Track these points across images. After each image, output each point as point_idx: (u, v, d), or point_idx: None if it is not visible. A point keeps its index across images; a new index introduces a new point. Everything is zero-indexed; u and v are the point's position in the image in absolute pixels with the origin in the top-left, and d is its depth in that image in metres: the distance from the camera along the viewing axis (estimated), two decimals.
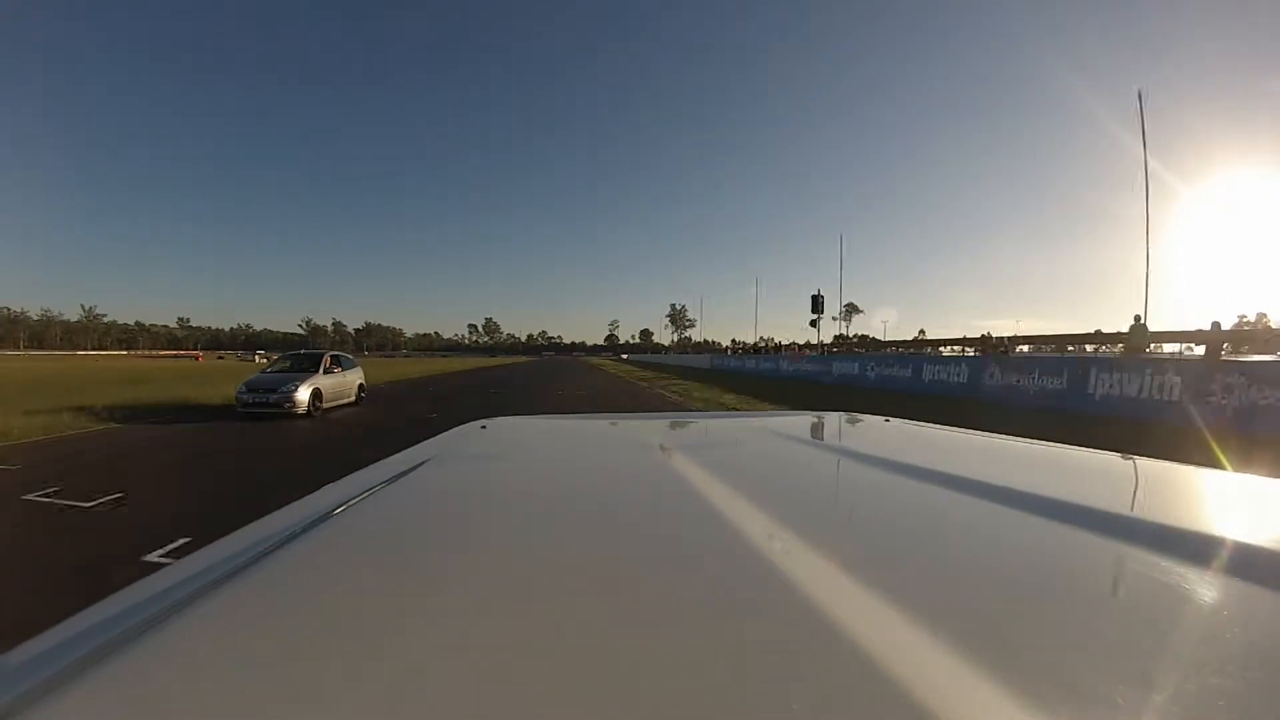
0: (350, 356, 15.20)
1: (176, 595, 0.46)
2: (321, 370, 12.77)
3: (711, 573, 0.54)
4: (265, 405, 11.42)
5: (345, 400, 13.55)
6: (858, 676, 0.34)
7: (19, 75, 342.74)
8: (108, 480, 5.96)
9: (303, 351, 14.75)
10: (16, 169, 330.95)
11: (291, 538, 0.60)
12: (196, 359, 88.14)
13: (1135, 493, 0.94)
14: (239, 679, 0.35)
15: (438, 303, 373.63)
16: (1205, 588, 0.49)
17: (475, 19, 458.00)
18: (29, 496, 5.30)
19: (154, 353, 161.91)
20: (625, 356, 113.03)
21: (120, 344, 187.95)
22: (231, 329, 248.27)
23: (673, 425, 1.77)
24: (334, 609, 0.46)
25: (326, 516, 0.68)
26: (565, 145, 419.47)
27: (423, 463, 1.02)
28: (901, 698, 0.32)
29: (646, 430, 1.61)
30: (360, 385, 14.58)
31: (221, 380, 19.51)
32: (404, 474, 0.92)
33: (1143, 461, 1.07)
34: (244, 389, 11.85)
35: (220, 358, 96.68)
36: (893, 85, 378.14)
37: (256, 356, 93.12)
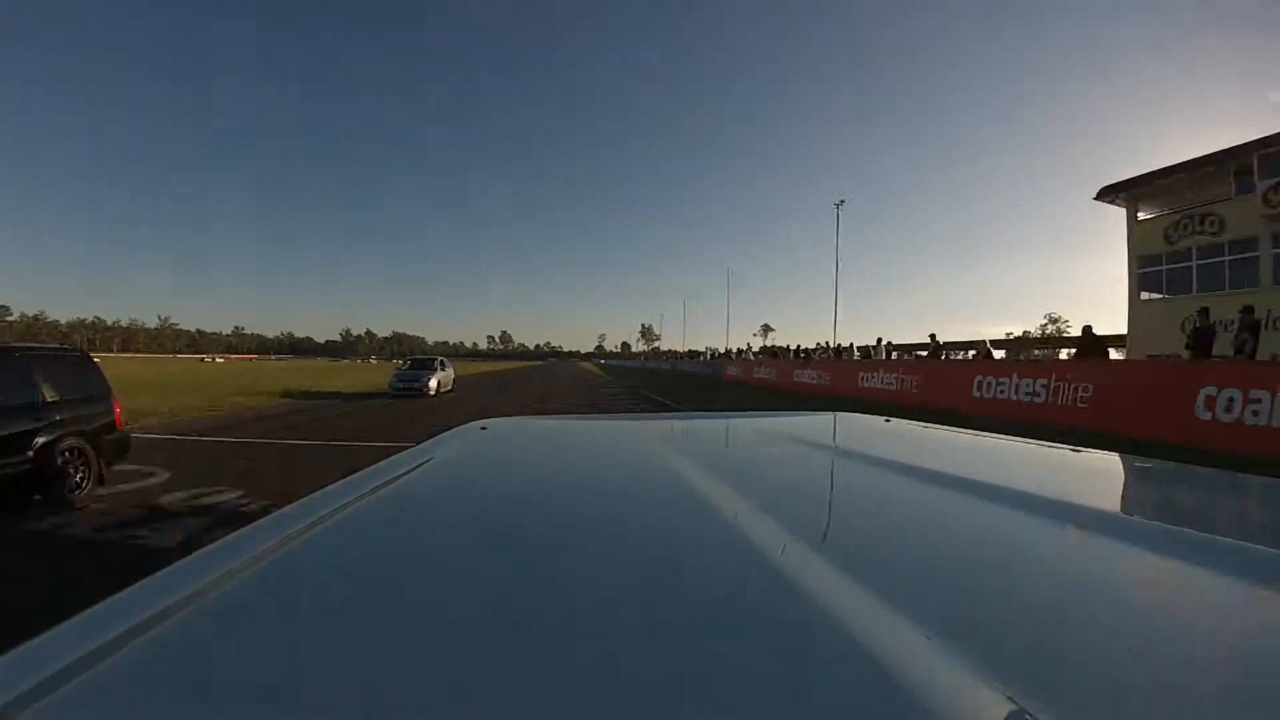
0: (447, 360, 21.35)
1: (177, 595, 0.44)
2: (437, 369, 18.89)
3: (711, 572, 0.52)
4: (410, 390, 17.40)
5: (447, 388, 19.55)
6: (857, 675, 0.32)
7: (92, 109, 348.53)
8: (386, 412, 12.18)
9: (422, 357, 20.92)
10: (100, 198, 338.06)
11: (292, 538, 0.57)
12: (364, 361, 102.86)
13: (1135, 493, 0.88)
14: (239, 679, 0.34)
15: (458, 315, 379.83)
16: (1205, 588, 0.46)
17: (495, 42, 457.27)
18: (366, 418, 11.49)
19: (254, 356, 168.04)
20: (602, 362, 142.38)
21: (189, 348, 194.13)
22: (277, 336, 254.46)
23: (672, 426, 1.66)
24: (334, 609, 0.44)
25: (327, 518, 0.64)
26: (565, 174, 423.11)
27: (422, 464, 0.96)
28: (901, 697, 0.30)
29: (646, 431, 1.51)
30: (454, 378, 20.75)
31: (352, 375, 25.51)
32: (404, 475, 0.87)
33: (1143, 461, 1.02)
34: (395, 380, 17.87)
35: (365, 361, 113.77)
36: (892, 88, 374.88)
37: (395, 361, 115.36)
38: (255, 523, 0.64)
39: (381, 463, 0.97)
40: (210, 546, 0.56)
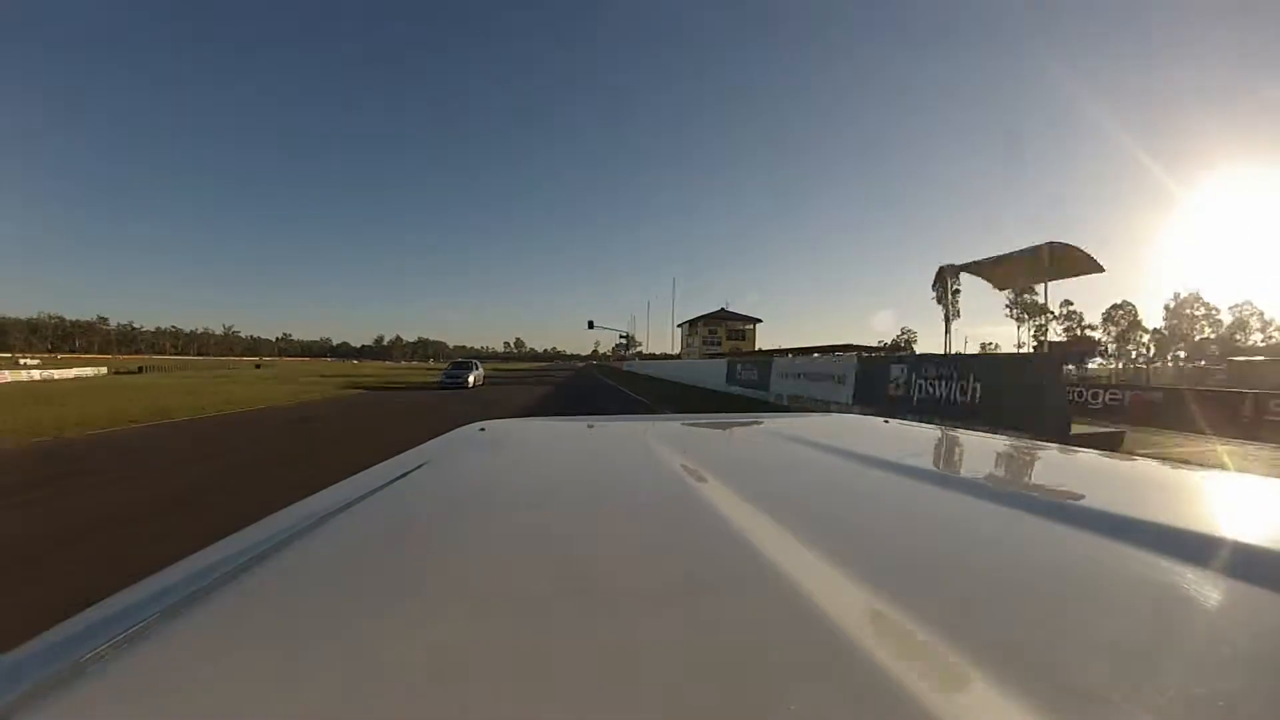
0: (479, 362, 26.09)
1: (176, 596, 0.41)
2: (473, 369, 23.58)
3: (711, 574, 0.47)
4: (455, 384, 21.46)
5: (480, 383, 23.45)
6: (857, 676, 0.30)
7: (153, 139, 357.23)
8: (442, 399, 16.99)
9: (461, 360, 25.78)
10: (160, 220, 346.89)
11: (291, 539, 0.54)
12: (421, 363, 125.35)
13: (1135, 493, 0.81)
14: (239, 680, 0.32)
15: (477, 322, 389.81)
16: (1205, 588, 0.43)
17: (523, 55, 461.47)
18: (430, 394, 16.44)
19: (305, 359, 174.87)
20: (594, 363, 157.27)
21: (248, 352, 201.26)
22: (319, 340, 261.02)
23: (672, 426, 1.50)
24: (333, 611, 0.41)
25: (326, 519, 0.61)
26: (568, 200, 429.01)
27: (421, 465, 0.90)
28: (901, 697, 0.28)
29: (645, 431, 1.37)
30: (484, 375, 25.49)
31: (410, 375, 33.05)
32: (402, 477, 0.82)
33: (1143, 462, 0.96)
34: (444, 376, 22.31)
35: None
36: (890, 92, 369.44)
37: (429, 361, 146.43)
38: (255, 523, 0.61)
39: (381, 464, 0.93)
40: (210, 546, 0.53)
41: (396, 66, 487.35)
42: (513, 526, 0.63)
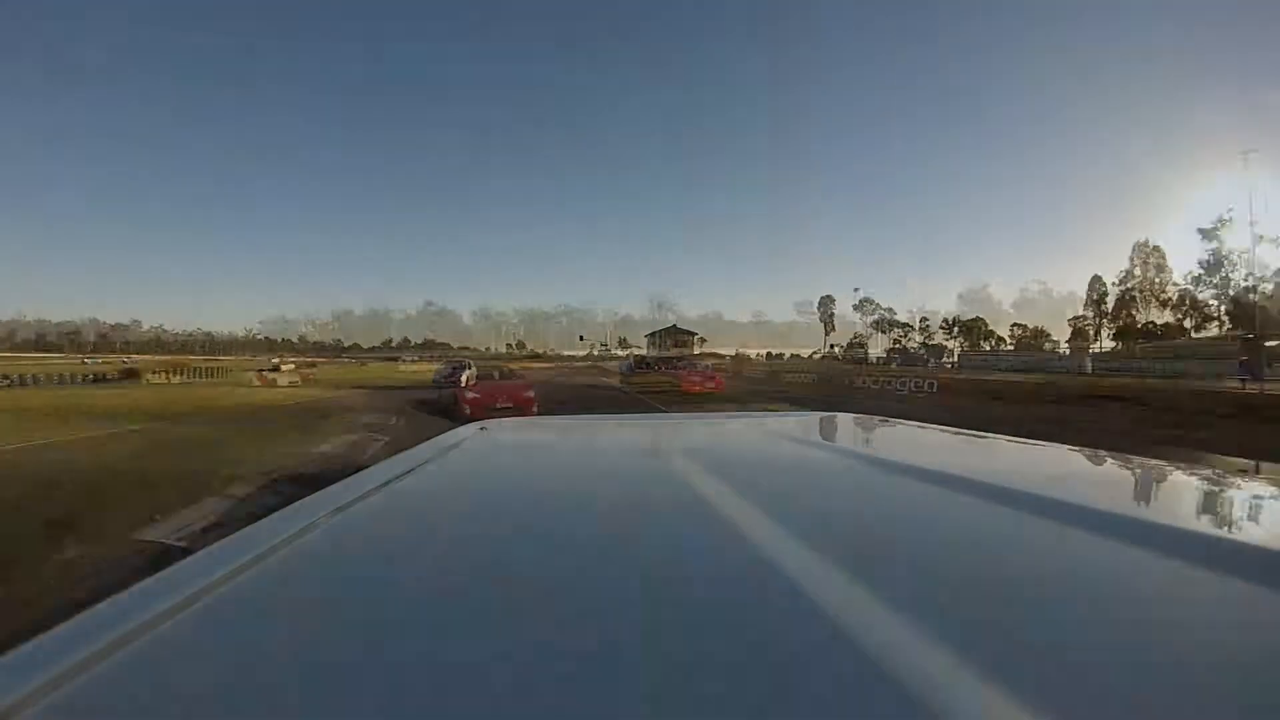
0: (472, 361, 30.70)
1: (177, 596, 0.40)
2: (466, 368, 26.06)
3: (711, 573, 0.47)
4: (449, 383, 18.52)
5: (473, 382, 27.10)
6: (857, 676, 0.30)
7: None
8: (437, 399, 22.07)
9: (455, 361, 26.20)
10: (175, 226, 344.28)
11: (293, 539, 0.53)
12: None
13: (1135, 493, 0.80)
14: (239, 680, 0.31)
15: (479, 324, 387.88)
16: (1205, 588, 0.42)
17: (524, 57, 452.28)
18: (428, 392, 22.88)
19: (324, 360, 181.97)
20: (588, 364, 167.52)
21: (268, 352, 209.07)
22: (332, 342, 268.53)
23: (672, 426, 1.50)
24: (334, 609, 0.41)
25: (327, 519, 0.60)
26: (571, 210, 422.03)
27: (422, 465, 0.89)
28: (901, 697, 0.28)
29: (646, 431, 1.38)
30: (476, 374, 31.87)
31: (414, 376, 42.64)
32: (404, 475, 0.81)
33: (1143, 461, 0.94)
34: (438, 376, 21.22)
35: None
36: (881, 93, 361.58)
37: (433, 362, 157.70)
38: (256, 523, 0.60)
39: (382, 463, 0.92)
40: (210, 547, 0.53)
41: (397, 70, 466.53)
42: (513, 525, 0.63)
